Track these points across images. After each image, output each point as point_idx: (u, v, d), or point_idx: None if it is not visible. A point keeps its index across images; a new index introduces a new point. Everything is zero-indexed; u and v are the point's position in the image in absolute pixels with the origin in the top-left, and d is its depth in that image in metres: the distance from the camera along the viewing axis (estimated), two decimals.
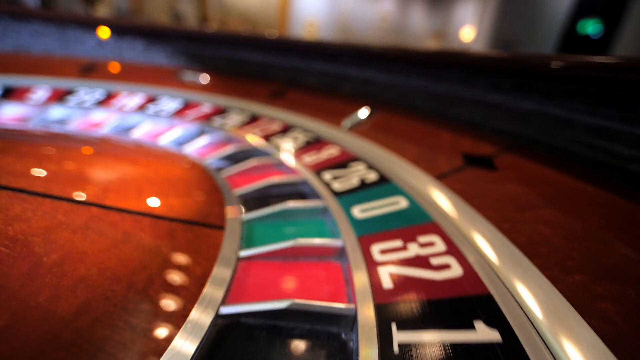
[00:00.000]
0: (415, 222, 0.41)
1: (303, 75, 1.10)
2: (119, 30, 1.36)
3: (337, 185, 0.52)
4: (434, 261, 0.34)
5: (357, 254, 0.37)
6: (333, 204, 0.47)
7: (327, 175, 0.55)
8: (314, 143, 0.70)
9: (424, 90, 0.83)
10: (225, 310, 0.30)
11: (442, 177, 0.54)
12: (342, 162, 0.60)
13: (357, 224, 0.42)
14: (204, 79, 1.23)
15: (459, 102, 0.78)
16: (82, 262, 0.30)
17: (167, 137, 0.80)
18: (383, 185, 0.51)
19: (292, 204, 0.46)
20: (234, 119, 0.86)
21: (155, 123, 0.87)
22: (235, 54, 1.27)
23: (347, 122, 0.82)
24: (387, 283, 0.32)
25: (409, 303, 0.30)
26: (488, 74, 0.73)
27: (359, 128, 0.80)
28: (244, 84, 1.17)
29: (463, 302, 0.29)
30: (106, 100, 0.99)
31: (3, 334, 0.23)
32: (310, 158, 0.64)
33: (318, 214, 0.48)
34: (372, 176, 0.54)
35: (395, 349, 0.25)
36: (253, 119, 0.86)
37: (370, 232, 0.40)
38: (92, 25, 1.36)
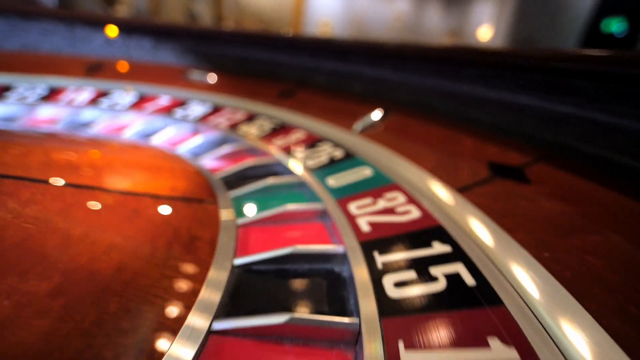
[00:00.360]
0: (380, 184, 0.51)
1: (313, 74, 1.05)
2: (127, 28, 1.33)
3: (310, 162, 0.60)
4: (398, 209, 0.44)
5: (338, 212, 0.45)
6: (309, 178, 0.55)
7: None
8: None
9: (442, 90, 0.76)
10: (239, 261, 0.37)
11: (465, 190, 0.47)
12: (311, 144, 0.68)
13: (333, 190, 0.51)
14: (212, 78, 1.19)
15: (482, 103, 0.70)
16: (106, 233, 0.33)
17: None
18: (350, 159, 0.60)
19: (272, 180, 0.53)
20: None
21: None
22: (244, 52, 1.22)
23: (359, 124, 0.75)
24: (365, 228, 0.41)
25: (384, 238, 0.39)
26: (515, 72, 0.66)
27: (372, 131, 0.73)
28: (252, 83, 1.12)
29: (422, 233, 0.39)
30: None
31: (62, 288, 0.27)
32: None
33: (296, 187, 0.55)
34: (338, 153, 0.62)
35: (379, 266, 0.35)
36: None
37: (345, 195, 0.49)
38: (100, 23, 1.33)
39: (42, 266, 0.28)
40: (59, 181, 0.37)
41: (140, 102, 0.93)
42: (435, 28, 11.22)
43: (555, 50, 0.62)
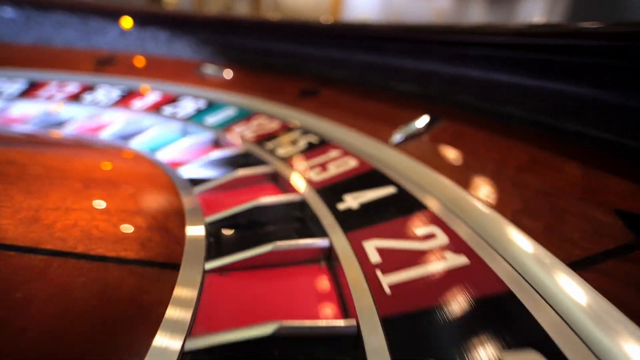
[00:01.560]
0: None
1: (341, 68, 0.87)
2: (142, 19, 1.22)
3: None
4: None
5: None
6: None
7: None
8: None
9: (522, 88, 0.56)
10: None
11: (581, 267, 0.28)
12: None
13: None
14: (227, 74, 1.04)
15: (586, 108, 0.49)
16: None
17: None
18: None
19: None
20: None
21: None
22: (263, 44, 1.06)
23: (399, 134, 0.57)
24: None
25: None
26: None
27: (416, 143, 0.55)
28: (272, 79, 0.96)
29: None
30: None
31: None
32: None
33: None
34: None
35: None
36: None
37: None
38: (114, 14, 1.23)
39: None
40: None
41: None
42: None
43: None
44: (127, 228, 0.34)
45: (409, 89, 0.73)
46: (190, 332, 0.26)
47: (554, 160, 0.44)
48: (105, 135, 0.70)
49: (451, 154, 0.51)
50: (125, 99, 0.85)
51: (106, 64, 1.12)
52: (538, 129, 0.50)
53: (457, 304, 0.26)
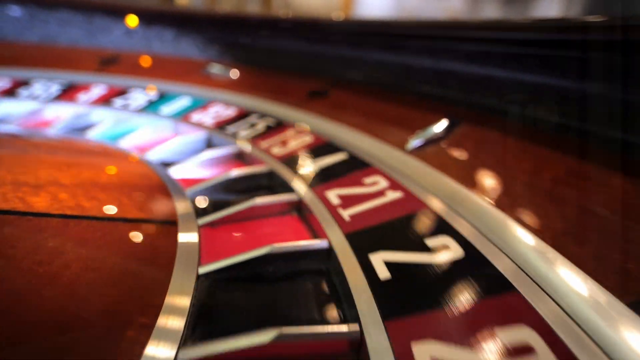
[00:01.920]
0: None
1: (353, 68, 0.82)
2: (147, 18, 1.19)
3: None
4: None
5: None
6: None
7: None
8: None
9: (556, 90, 0.50)
10: (203, 270, 0.32)
11: None
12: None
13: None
14: (234, 74, 1.00)
15: (636, 114, 0.43)
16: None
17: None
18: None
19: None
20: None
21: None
22: (272, 42, 1.02)
23: (416, 139, 0.52)
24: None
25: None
26: None
27: (433, 148, 0.49)
28: (279, 79, 0.92)
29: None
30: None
31: None
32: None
33: None
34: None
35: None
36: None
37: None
38: (119, 13, 1.20)
39: None
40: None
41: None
42: None
43: None
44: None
45: (427, 90, 0.68)
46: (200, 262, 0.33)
47: (598, 172, 0.38)
48: (53, 130, 0.70)
49: (474, 162, 0.45)
50: (69, 93, 0.85)
51: (110, 63, 1.09)
52: (576, 136, 0.45)
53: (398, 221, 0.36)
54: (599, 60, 0.43)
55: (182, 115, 0.72)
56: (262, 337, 0.25)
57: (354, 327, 0.26)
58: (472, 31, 0.58)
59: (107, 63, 1.10)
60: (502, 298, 0.25)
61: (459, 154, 0.48)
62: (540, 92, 0.52)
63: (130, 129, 0.70)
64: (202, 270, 0.32)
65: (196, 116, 0.71)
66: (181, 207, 0.41)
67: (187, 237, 0.36)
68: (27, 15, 1.21)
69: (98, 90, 0.86)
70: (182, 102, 0.78)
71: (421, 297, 0.27)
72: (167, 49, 1.18)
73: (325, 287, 0.33)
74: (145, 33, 1.19)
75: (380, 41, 0.75)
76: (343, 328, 0.26)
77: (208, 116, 0.71)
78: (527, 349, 0.21)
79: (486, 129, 0.52)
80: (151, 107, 0.77)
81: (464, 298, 0.26)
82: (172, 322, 0.26)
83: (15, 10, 1.23)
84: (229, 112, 0.72)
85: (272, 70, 0.97)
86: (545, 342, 0.21)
